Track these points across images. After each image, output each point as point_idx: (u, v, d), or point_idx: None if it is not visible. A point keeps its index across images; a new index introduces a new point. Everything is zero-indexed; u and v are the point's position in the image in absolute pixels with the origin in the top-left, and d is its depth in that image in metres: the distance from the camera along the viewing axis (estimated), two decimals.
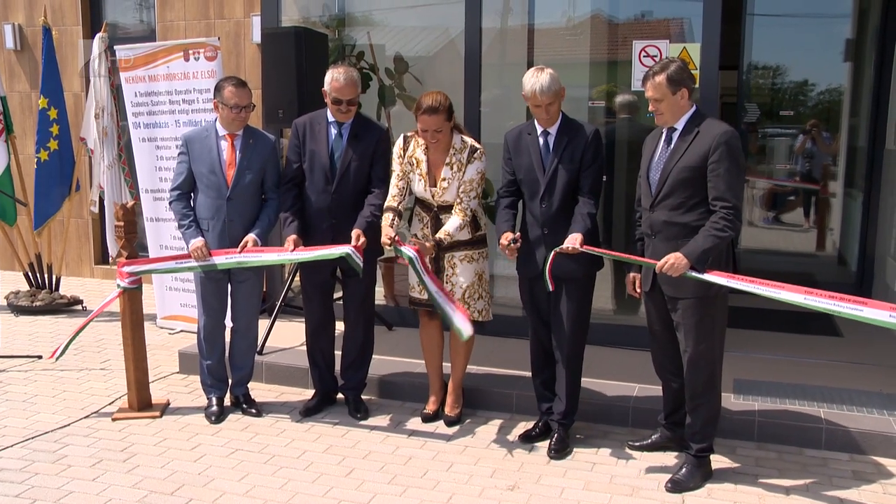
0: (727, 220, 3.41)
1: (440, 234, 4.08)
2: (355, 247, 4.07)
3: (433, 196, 4.19)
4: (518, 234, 3.90)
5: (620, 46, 5.62)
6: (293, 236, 4.24)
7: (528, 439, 4.15)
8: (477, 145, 4.18)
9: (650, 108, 3.60)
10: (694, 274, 3.44)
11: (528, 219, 4.01)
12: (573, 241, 3.71)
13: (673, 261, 3.44)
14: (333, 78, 4.19)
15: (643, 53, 4.97)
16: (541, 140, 3.93)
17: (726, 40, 4.85)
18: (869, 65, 6.64)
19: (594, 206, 3.89)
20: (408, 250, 3.98)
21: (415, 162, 4.25)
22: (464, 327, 3.88)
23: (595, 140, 3.91)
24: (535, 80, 3.79)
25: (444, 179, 4.16)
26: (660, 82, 3.50)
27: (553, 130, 3.92)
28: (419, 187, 4.23)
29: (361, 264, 4.08)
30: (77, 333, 4.54)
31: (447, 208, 4.19)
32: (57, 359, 4.55)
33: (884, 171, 6.38)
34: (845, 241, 7.03)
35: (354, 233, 4.12)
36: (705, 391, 3.65)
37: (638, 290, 3.85)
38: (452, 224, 4.10)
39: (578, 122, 3.99)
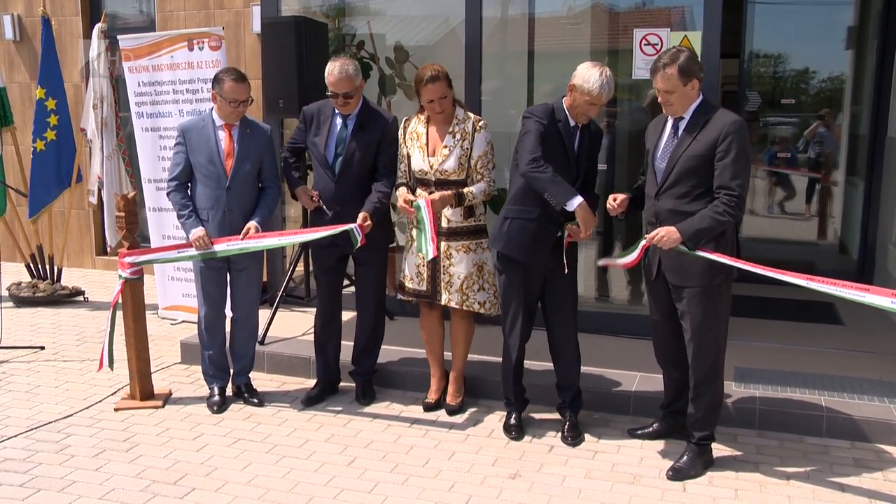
0: (728, 207, 3.40)
1: (464, 190, 4.11)
2: (360, 226, 4.13)
3: (431, 166, 4.18)
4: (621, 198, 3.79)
5: (621, 35, 5.60)
6: (303, 186, 4.37)
7: (512, 430, 4.13)
8: (481, 118, 4.23)
9: (659, 99, 3.58)
10: (683, 248, 3.45)
11: (545, 207, 3.89)
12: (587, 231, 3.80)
13: (664, 233, 3.46)
14: (328, 71, 4.20)
15: (644, 42, 4.95)
16: (572, 133, 3.89)
17: (727, 28, 4.83)
18: (871, 52, 6.62)
19: (595, 203, 3.96)
20: (420, 201, 4.04)
21: (415, 136, 4.27)
22: (428, 249, 3.98)
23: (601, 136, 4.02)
24: (604, 80, 3.71)
25: (445, 147, 4.16)
26: (671, 74, 3.46)
27: (579, 125, 3.92)
28: (417, 159, 4.24)
29: (359, 240, 4.12)
30: (112, 335, 4.48)
31: (444, 183, 4.17)
32: (111, 367, 4.50)
33: (885, 159, 6.37)
34: (847, 230, 7.02)
35: (361, 215, 4.17)
36: (708, 380, 3.66)
37: (616, 205, 3.76)
38: (478, 187, 4.15)
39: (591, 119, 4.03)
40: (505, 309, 4.08)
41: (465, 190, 4.11)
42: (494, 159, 4.21)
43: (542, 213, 3.87)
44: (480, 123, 4.17)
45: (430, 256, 4.02)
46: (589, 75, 3.73)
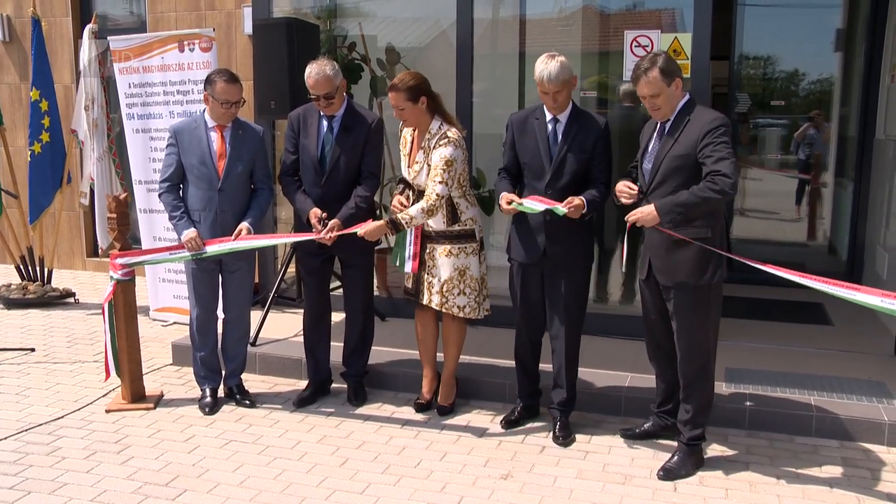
0: (713, 184, 3.32)
1: (400, 215, 4.04)
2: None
3: (410, 177, 4.23)
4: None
5: (612, 37, 5.62)
6: (314, 209, 4.24)
7: (511, 424, 4.20)
8: (450, 133, 4.08)
9: (646, 105, 3.58)
10: (666, 230, 3.45)
11: None
12: (576, 201, 3.73)
13: (639, 215, 3.46)
14: (307, 74, 4.18)
15: (635, 43, 4.97)
16: (549, 126, 3.92)
17: (717, 30, 4.86)
18: (859, 54, 6.66)
19: (603, 196, 3.90)
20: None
21: (404, 141, 4.29)
22: (406, 264, 4.20)
23: (607, 131, 3.95)
24: (544, 66, 3.77)
25: (416, 163, 4.19)
26: (654, 77, 3.47)
27: (563, 118, 3.91)
28: (402, 166, 4.29)
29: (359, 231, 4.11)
30: (114, 342, 4.46)
31: (424, 193, 4.17)
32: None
33: (874, 161, 6.42)
34: (836, 231, 7.06)
35: (333, 222, 4.17)
36: (698, 379, 3.68)
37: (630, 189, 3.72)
38: (414, 207, 4.05)
39: (589, 112, 4.01)
40: (513, 303, 4.19)
41: (399, 215, 4.03)
42: (446, 175, 4.01)
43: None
44: (443, 140, 4.05)
45: (407, 270, 4.19)
46: (536, 62, 3.83)
